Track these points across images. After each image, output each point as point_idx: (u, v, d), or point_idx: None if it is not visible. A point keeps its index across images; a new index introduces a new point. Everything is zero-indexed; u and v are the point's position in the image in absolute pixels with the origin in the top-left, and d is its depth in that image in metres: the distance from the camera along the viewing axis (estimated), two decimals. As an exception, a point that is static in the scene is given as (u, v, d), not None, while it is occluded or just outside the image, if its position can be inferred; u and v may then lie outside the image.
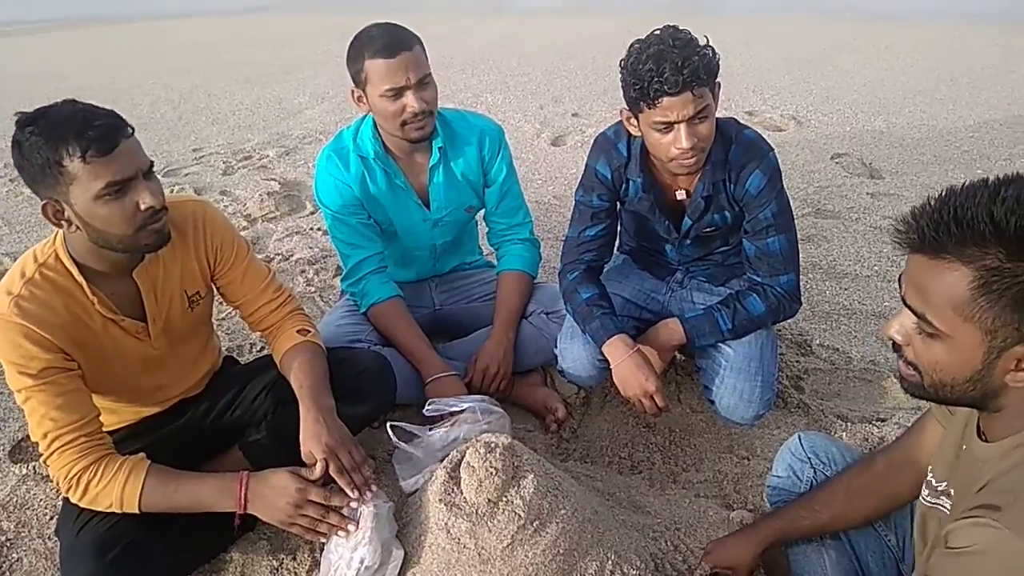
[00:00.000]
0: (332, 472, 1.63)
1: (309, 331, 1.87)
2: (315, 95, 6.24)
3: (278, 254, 3.42)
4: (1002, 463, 1.05)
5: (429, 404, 1.89)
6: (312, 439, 1.65)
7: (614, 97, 5.87)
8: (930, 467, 1.29)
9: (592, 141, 2.13)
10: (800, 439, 1.70)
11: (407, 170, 2.20)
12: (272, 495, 1.60)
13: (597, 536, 1.66)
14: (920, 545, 1.28)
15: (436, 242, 2.35)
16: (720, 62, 1.79)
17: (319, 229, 3.63)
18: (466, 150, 2.22)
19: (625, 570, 1.64)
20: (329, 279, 3.16)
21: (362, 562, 1.57)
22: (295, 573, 1.76)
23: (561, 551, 1.59)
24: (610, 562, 1.63)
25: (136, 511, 1.57)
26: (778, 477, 1.75)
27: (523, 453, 1.69)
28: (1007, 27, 8.34)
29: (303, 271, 3.22)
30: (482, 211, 2.41)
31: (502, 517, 1.57)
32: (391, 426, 1.82)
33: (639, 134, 1.89)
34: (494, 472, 1.59)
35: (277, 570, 1.76)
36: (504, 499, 1.59)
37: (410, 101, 1.99)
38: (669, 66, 1.69)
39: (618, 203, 2.12)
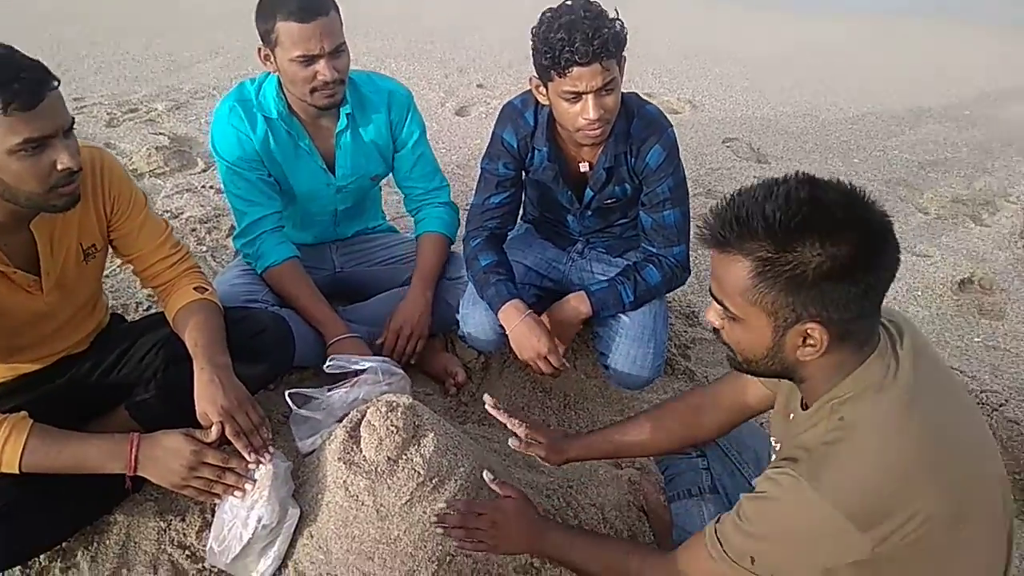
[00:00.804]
0: (229, 435, 1.60)
1: (207, 289, 1.82)
2: (209, 49, 5.95)
3: (167, 211, 3.27)
4: (805, 425, 1.18)
5: (330, 360, 1.88)
6: (207, 400, 1.60)
7: (519, 70, 5.89)
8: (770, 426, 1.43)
9: (498, 111, 2.15)
10: None
11: (313, 133, 2.14)
12: (165, 457, 1.56)
13: (493, 494, 1.70)
14: None
15: (338, 207, 2.31)
16: (627, 35, 1.83)
17: (211, 187, 3.49)
18: (375, 115, 2.18)
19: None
20: (222, 239, 3.05)
21: (259, 521, 1.56)
22: (183, 534, 1.72)
23: (459, 508, 1.63)
24: (505, 518, 1.68)
25: (16, 471, 1.49)
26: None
27: (424, 413, 1.71)
28: (895, 20, 8.85)
29: (194, 230, 3.09)
30: (389, 177, 2.37)
31: (402, 475, 1.59)
32: (289, 393, 1.80)
33: (547, 103, 1.92)
34: (395, 430, 1.61)
35: (164, 531, 1.72)
36: (404, 457, 1.61)
37: (322, 69, 1.93)
38: (580, 36, 1.72)
39: (523, 172, 2.15)
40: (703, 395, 1.63)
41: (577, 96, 1.81)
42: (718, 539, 1.21)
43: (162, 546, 1.69)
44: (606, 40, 1.74)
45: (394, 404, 1.65)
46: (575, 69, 1.76)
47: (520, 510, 1.53)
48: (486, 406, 1.75)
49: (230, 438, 1.60)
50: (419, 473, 1.59)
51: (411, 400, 1.71)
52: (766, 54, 7.10)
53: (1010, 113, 5.74)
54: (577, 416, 2.22)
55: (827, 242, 1.03)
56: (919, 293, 3.09)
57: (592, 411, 2.24)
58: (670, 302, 2.70)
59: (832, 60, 7.03)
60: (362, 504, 1.59)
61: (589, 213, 2.18)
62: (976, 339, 2.81)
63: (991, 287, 3.20)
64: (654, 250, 2.08)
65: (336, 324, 2.09)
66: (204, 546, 1.69)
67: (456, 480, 1.63)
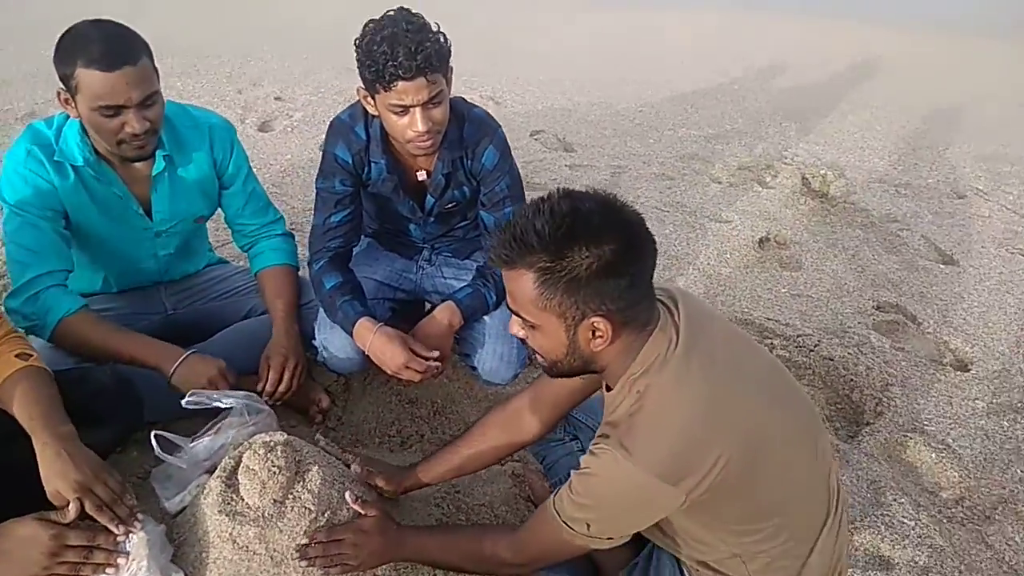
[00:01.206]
0: (89, 510, 1.44)
1: (30, 355, 1.62)
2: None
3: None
4: (611, 406, 1.34)
5: (189, 395, 1.75)
6: (58, 477, 1.43)
7: (316, 80, 5.76)
8: None
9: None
10: None
11: (125, 176, 1.95)
12: (19, 549, 1.38)
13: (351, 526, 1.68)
14: None
15: (159, 252, 2.13)
16: (449, 41, 1.84)
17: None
18: (195, 153, 2.03)
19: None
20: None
21: (142, 594, 1.44)
22: (52, 627, 1.55)
23: (355, 537, 1.60)
24: (403, 536, 1.67)
25: None
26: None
27: (302, 447, 1.66)
28: (653, 13, 9.56)
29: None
30: (219, 214, 2.24)
31: (292, 515, 1.54)
32: (155, 435, 1.67)
33: (377, 114, 1.91)
34: (277, 471, 1.55)
35: (27, 628, 1.54)
36: (291, 496, 1.55)
37: (131, 121, 1.74)
38: (403, 51, 1.71)
39: (360, 187, 2.12)
40: (520, 400, 1.71)
41: (405, 109, 1.81)
42: (556, 511, 1.34)
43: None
44: (429, 55, 1.73)
45: (271, 444, 1.58)
46: (400, 83, 1.75)
47: (378, 525, 1.56)
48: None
49: (92, 514, 1.44)
50: (310, 510, 1.54)
51: (285, 436, 1.64)
52: (558, 48, 7.43)
53: (774, 85, 6.42)
54: (448, 421, 2.24)
55: (592, 245, 1.18)
56: (727, 255, 3.39)
57: (462, 413, 2.27)
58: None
59: (615, 52, 7.48)
60: (254, 554, 1.51)
61: (431, 219, 2.19)
62: (783, 290, 3.14)
63: (786, 242, 3.59)
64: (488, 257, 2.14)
65: (167, 349, 1.90)
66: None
67: (348, 509, 1.59)
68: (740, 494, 1.26)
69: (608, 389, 1.39)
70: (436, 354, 2.01)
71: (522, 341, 1.36)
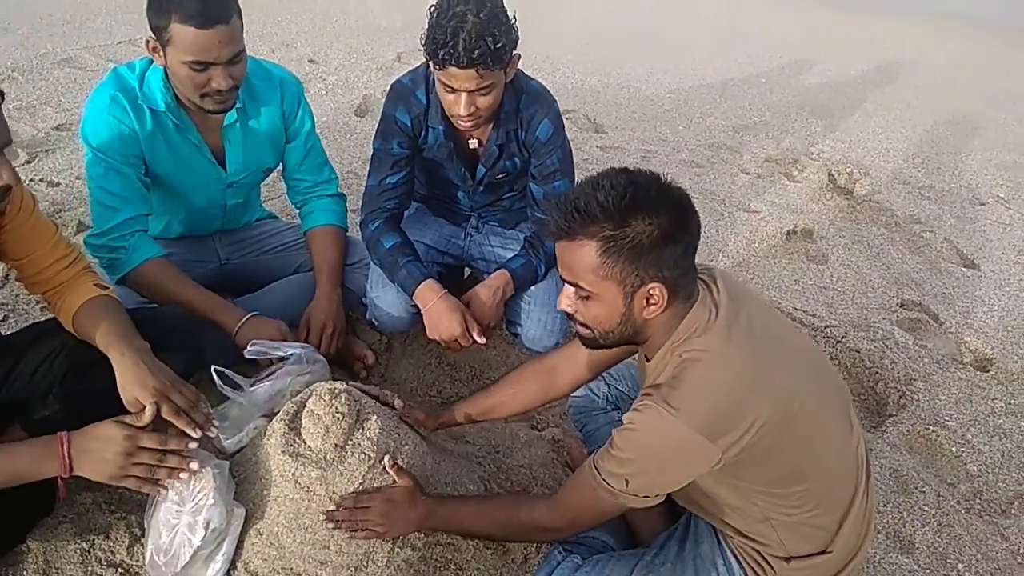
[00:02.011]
0: (167, 415, 1.49)
1: (107, 287, 1.69)
2: (-11, 24, 5.31)
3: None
4: (653, 373, 1.39)
5: (252, 345, 1.82)
6: (135, 384, 1.49)
7: (349, 44, 5.77)
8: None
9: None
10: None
11: (200, 125, 2.01)
12: (99, 448, 1.43)
13: (435, 467, 1.75)
14: None
15: (228, 202, 2.20)
16: (518, 36, 1.85)
17: (42, 180, 3.17)
18: (265, 107, 2.08)
19: (462, 494, 1.75)
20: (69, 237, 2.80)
21: (208, 525, 1.50)
22: (112, 552, 1.62)
23: (408, 484, 1.66)
24: (449, 488, 1.74)
25: None
26: (577, 397, 1.99)
27: (361, 397, 1.72)
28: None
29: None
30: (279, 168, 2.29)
31: (352, 460, 1.60)
32: (215, 370, 1.73)
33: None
34: (340, 417, 1.60)
35: (89, 552, 1.61)
36: (351, 442, 1.61)
37: (217, 78, 1.80)
38: (463, 41, 1.72)
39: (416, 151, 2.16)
40: (557, 356, 1.80)
41: (453, 89, 1.85)
42: (596, 470, 1.38)
43: (89, 568, 1.59)
44: (486, 52, 1.74)
45: (336, 391, 1.64)
46: (451, 68, 1.79)
47: (407, 495, 1.58)
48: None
49: (169, 418, 1.49)
50: (368, 456, 1.61)
51: (346, 384, 1.70)
52: (584, 30, 7.42)
53: (801, 80, 6.43)
54: (486, 385, 2.29)
55: (652, 215, 1.25)
56: (755, 245, 3.45)
57: (498, 378, 2.32)
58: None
59: (644, 35, 7.48)
60: (314, 494, 1.58)
61: (481, 188, 2.24)
62: (809, 282, 3.20)
63: (812, 236, 3.64)
64: (547, 219, 2.18)
65: (234, 310, 2.00)
66: (138, 562, 1.61)
67: (402, 458, 1.66)
68: (772, 457, 1.32)
69: (647, 360, 1.45)
70: (484, 341, 2.08)
71: (570, 317, 1.41)
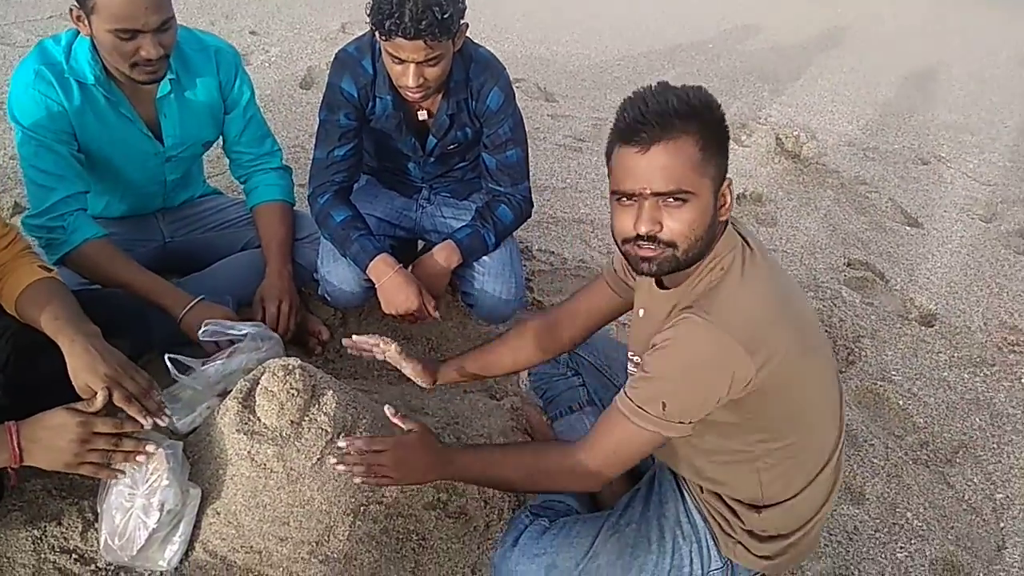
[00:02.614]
0: (118, 401, 1.45)
1: (51, 269, 1.63)
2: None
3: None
4: (688, 290, 1.35)
5: (205, 326, 1.78)
6: (86, 370, 1.45)
7: (291, 15, 5.63)
8: (628, 342, 1.60)
9: (333, 59, 2.08)
10: None
11: (132, 97, 1.92)
12: (50, 437, 1.39)
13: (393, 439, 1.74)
14: None
15: (167, 178, 2.13)
16: (465, 5, 1.82)
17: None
18: (200, 78, 2.00)
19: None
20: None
21: (163, 506, 1.47)
22: (65, 539, 1.57)
23: (367, 458, 1.65)
24: (409, 461, 1.73)
25: None
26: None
27: (316, 372, 1.69)
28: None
29: (-39, 211, 2.70)
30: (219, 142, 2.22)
31: (309, 435, 1.58)
32: (169, 358, 1.69)
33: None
34: (295, 393, 1.58)
35: (41, 539, 1.56)
36: (307, 417, 1.59)
37: (146, 46, 1.72)
38: (409, 11, 1.69)
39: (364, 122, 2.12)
40: (556, 313, 1.79)
41: (400, 60, 1.82)
42: (629, 398, 1.32)
43: (42, 555, 1.54)
44: (434, 22, 1.71)
45: (290, 367, 1.61)
46: (398, 39, 1.75)
47: (422, 441, 1.51)
48: (347, 345, 1.83)
49: (120, 404, 1.46)
50: (326, 431, 1.59)
51: (300, 360, 1.68)
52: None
53: (747, 46, 6.48)
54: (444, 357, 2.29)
55: (718, 111, 1.27)
56: (706, 210, 3.47)
57: (456, 350, 2.31)
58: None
59: (589, 3, 7.44)
60: (271, 471, 1.56)
61: (431, 159, 2.21)
62: (759, 245, 3.24)
63: (761, 199, 3.69)
64: (501, 189, 2.17)
65: (179, 294, 1.93)
66: (92, 548, 1.57)
67: (360, 431, 1.64)
68: (785, 392, 1.31)
69: (661, 287, 1.41)
70: (439, 316, 2.08)
71: (651, 239, 1.27)
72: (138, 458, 1.47)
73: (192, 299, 1.92)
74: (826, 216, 3.58)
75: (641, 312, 1.50)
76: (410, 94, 1.89)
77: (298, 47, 4.94)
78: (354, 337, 1.83)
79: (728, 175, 1.30)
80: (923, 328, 2.82)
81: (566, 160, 3.78)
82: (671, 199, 1.24)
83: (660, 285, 1.42)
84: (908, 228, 3.59)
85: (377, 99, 2.05)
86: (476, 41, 2.08)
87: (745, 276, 1.29)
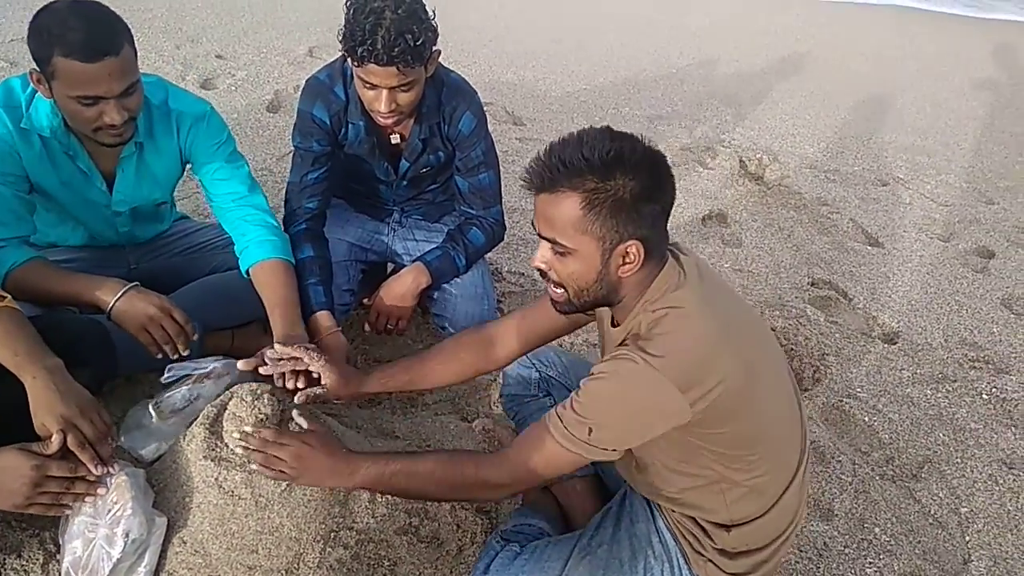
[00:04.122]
0: (72, 446, 1.43)
1: (4, 296, 1.60)
2: None
3: None
4: (627, 329, 1.39)
5: (168, 370, 1.75)
6: (44, 410, 1.43)
7: (258, 39, 5.61)
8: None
9: (304, 86, 2.08)
10: None
11: (93, 151, 1.87)
12: (1, 480, 1.37)
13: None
14: None
15: (119, 228, 2.09)
16: (437, 32, 1.84)
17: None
18: (164, 142, 1.95)
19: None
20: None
21: (127, 535, 1.44)
22: (25, 572, 1.54)
23: (337, 483, 1.63)
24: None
25: None
26: (509, 386, 1.99)
27: (284, 396, 1.68)
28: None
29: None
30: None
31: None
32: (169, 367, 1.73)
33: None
34: (264, 418, 1.56)
35: (0, 573, 1.52)
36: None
37: (109, 112, 1.66)
38: (382, 39, 1.70)
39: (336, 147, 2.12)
40: (493, 328, 1.77)
41: (373, 86, 1.82)
42: (559, 418, 1.35)
43: (0, 591, 1.50)
44: (406, 49, 1.72)
45: (258, 392, 1.60)
46: (371, 65, 1.76)
47: (324, 444, 1.51)
48: (271, 358, 1.71)
49: (73, 450, 1.44)
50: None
51: (270, 385, 1.66)
52: (494, 23, 7.42)
53: (710, 71, 6.60)
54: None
55: (635, 172, 1.26)
56: (673, 230, 3.50)
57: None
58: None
59: (550, 28, 7.54)
60: (239, 498, 1.53)
61: (404, 183, 2.21)
62: (726, 265, 3.29)
63: (726, 220, 3.74)
64: (473, 212, 2.18)
65: (107, 282, 1.78)
66: (53, 580, 1.53)
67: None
68: (733, 418, 1.33)
69: (614, 325, 1.45)
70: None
71: (543, 276, 1.38)
72: (99, 490, 1.46)
73: (122, 286, 1.78)
74: (789, 237, 3.65)
75: (600, 343, 1.52)
76: (382, 120, 1.90)
77: (265, 71, 4.92)
78: (277, 347, 1.73)
79: (633, 239, 1.29)
80: (886, 345, 2.88)
81: (534, 183, 3.80)
82: (554, 245, 1.31)
83: (613, 321, 1.46)
84: (869, 248, 3.66)
85: (350, 124, 2.06)
86: (445, 66, 2.10)
87: (683, 313, 1.31)
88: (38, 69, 1.67)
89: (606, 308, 1.46)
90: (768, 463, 1.43)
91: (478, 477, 1.42)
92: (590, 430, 1.31)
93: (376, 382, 1.76)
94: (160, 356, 1.78)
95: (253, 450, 1.50)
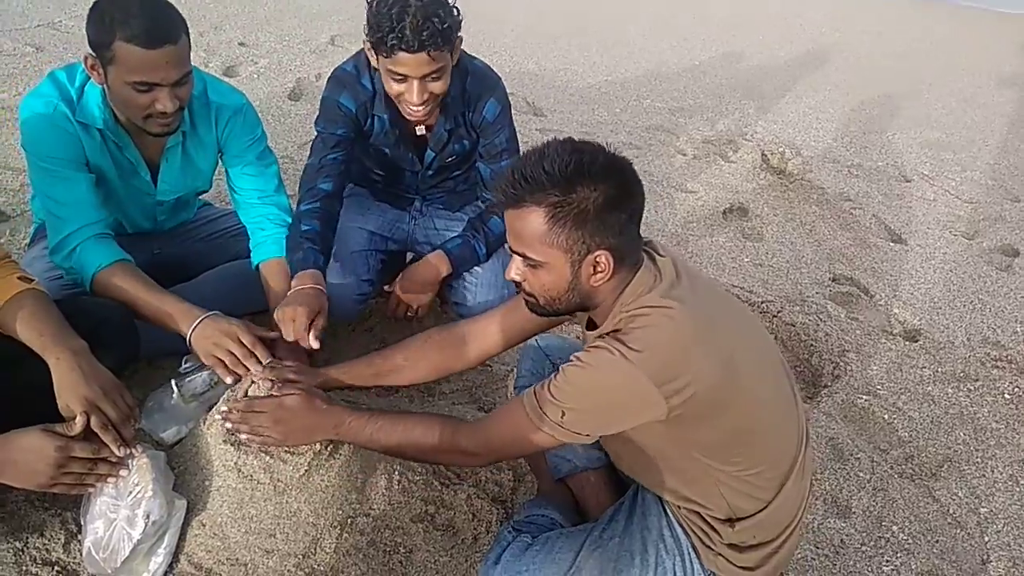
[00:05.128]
0: (95, 427, 1.45)
1: (31, 279, 1.61)
2: None
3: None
4: (605, 330, 1.38)
5: (185, 360, 1.77)
6: (68, 391, 1.45)
7: (280, 27, 5.63)
8: None
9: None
10: (537, 341, 1.92)
11: (139, 142, 1.91)
12: (26, 460, 1.39)
13: (368, 453, 1.72)
14: None
15: (157, 217, 2.13)
16: (461, 16, 1.83)
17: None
18: (204, 132, 1.99)
19: (410, 477, 1.74)
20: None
21: (147, 517, 1.46)
22: (47, 551, 1.56)
23: (355, 470, 1.65)
24: (396, 473, 1.72)
25: None
26: (523, 377, 1.98)
27: (303, 383, 1.69)
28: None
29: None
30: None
31: (297, 447, 1.57)
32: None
33: (378, 68, 1.90)
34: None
35: (23, 552, 1.55)
36: (295, 429, 1.59)
37: (162, 99, 1.69)
38: (410, 24, 1.70)
39: (360, 137, 2.11)
40: (469, 326, 1.76)
41: (403, 77, 1.82)
42: (535, 398, 1.37)
43: (24, 568, 1.53)
44: (435, 33, 1.72)
45: (276, 380, 1.61)
46: (400, 54, 1.76)
47: (303, 402, 1.55)
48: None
49: (97, 431, 1.45)
50: (315, 443, 1.58)
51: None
52: (518, 12, 7.40)
53: (733, 64, 6.55)
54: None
55: (597, 182, 1.27)
56: (693, 224, 3.50)
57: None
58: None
59: (574, 17, 7.50)
60: (258, 483, 1.55)
61: (429, 172, 2.21)
62: (745, 259, 3.26)
63: (747, 214, 3.71)
64: (494, 199, 2.17)
65: (186, 311, 1.79)
66: (75, 559, 1.56)
67: (349, 444, 1.63)
68: (716, 415, 1.34)
69: (591, 327, 1.46)
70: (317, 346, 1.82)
71: (518, 286, 1.41)
72: (121, 472, 1.48)
73: (200, 314, 1.79)
74: (811, 231, 3.62)
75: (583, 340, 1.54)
76: (414, 112, 1.88)
77: (287, 59, 4.94)
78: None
79: (602, 249, 1.29)
80: (907, 343, 2.85)
81: (554, 174, 3.80)
82: (524, 259, 1.34)
83: (589, 324, 1.48)
84: (892, 244, 3.62)
85: (375, 117, 2.06)
86: (469, 53, 2.09)
87: (657, 313, 1.31)
88: (93, 55, 1.69)
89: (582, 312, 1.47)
90: (761, 456, 1.42)
91: (453, 443, 1.46)
92: (563, 413, 1.34)
93: (340, 375, 1.74)
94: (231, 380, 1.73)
95: (237, 423, 1.54)
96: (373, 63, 1.91)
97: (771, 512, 1.45)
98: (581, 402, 1.34)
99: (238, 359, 1.69)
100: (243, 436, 1.54)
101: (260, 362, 1.68)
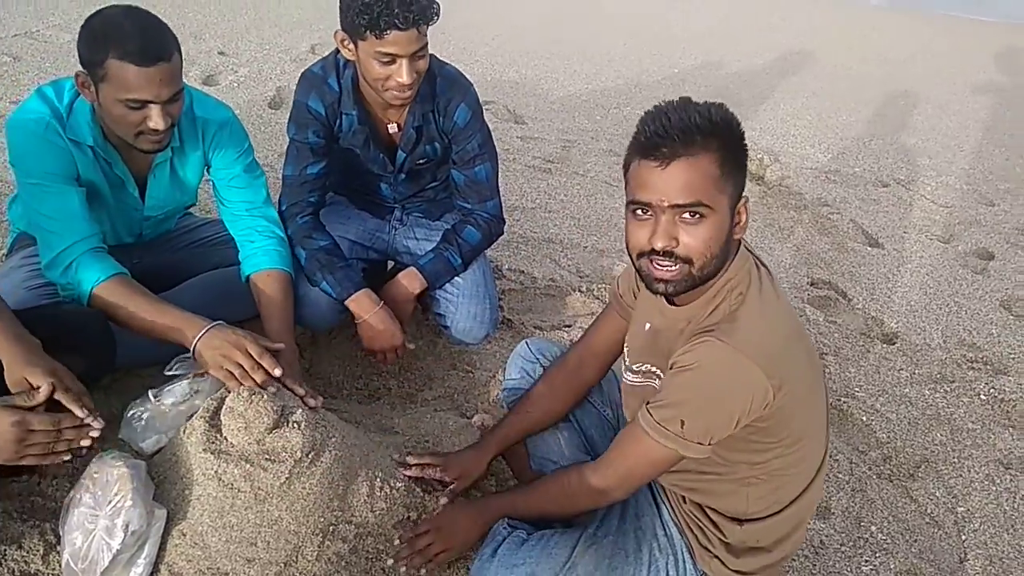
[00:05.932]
0: (57, 393, 1.42)
1: None
2: None
3: None
4: (704, 311, 1.37)
5: (174, 362, 1.76)
6: (24, 364, 1.42)
7: (260, 36, 5.63)
8: (626, 353, 1.64)
9: (299, 78, 2.10)
10: (528, 344, 1.95)
11: (127, 158, 1.91)
12: None
13: (363, 459, 1.73)
14: (629, 416, 1.63)
15: (144, 232, 2.14)
16: None
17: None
18: (191, 147, 1.99)
19: (392, 484, 1.73)
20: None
21: (127, 527, 1.45)
22: (26, 562, 1.54)
23: (336, 477, 1.64)
24: (379, 480, 1.72)
25: None
26: (512, 379, 1.99)
27: (285, 393, 1.69)
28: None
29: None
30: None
31: (278, 455, 1.57)
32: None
33: (353, 59, 1.91)
34: (263, 412, 1.57)
35: (0, 564, 1.53)
36: (275, 437, 1.58)
37: (154, 117, 1.69)
38: (397, 2, 1.74)
39: (332, 141, 2.13)
40: (577, 353, 1.80)
41: (392, 59, 1.83)
42: (650, 414, 1.35)
43: (1, 581, 1.51)
44: (425, 5, 1.77)
45: (256, 388, 1.61)
46: (393, 33, 1.78)
47: (457, 507, 1.63)
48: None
49: (60, 397, 1.43)
50: (296, 450, 1.58)
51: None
52: (497, 24, 7.43)
53: (711, 72, 6.61)
54: (414, 376, 2.29)
55: (738, 129, 1.31)
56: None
57: (426, 368, 2.32)
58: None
59: (550, 26, 7.55)
60: (238, 491, 1.54)
61: (402, 177, 2.22)
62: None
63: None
64: (469, 206, 2.18)
65: (190, 321, 1.76)
66: (54, 571, 1.54)
67: (330, 451, 1.63)
68: (787, 417, 1.34)
69: (673, 304, 1.42)
70: (412, 346, 2.15)
71: (663, 256, 1.29)
72: (104, 478, 1.46)
73: (205, 325, 1.76)
74: (790, 237, 3.66)
75: (647, 326, 1.52)
76: (401, 94, 1.90)
77: (267, 67, 4.94)
78: (409, 458, 1.81)
79: (745, 193, 1.33)
80: (885, 346, 2.88)
81: (536, 181, 3.81)
82: (687, 214, 1.27)
83: (671, 302, 1.44)
84: (869, 249, 3.67)
85: (343, 115, 2.07)
86: (440, 59, 2.10)
87: (763, 302, 1.32)
88: (85, 72, 1.69)
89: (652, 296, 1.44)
90: (798, 463, 1.44)
91: (584, 486, 1.48)
92: (682, 422, 1.31)
93: (494, 447, 1.82)
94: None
95: (406, 556, 1.59)
96: (348, 55, 1.92)
97: (782, 519, 1.47)
98: (697, 405, 1.31)
99: (246, 371, 1.68)
100: (423, 571, 1.59)
101: (268, 373, 1.68)
